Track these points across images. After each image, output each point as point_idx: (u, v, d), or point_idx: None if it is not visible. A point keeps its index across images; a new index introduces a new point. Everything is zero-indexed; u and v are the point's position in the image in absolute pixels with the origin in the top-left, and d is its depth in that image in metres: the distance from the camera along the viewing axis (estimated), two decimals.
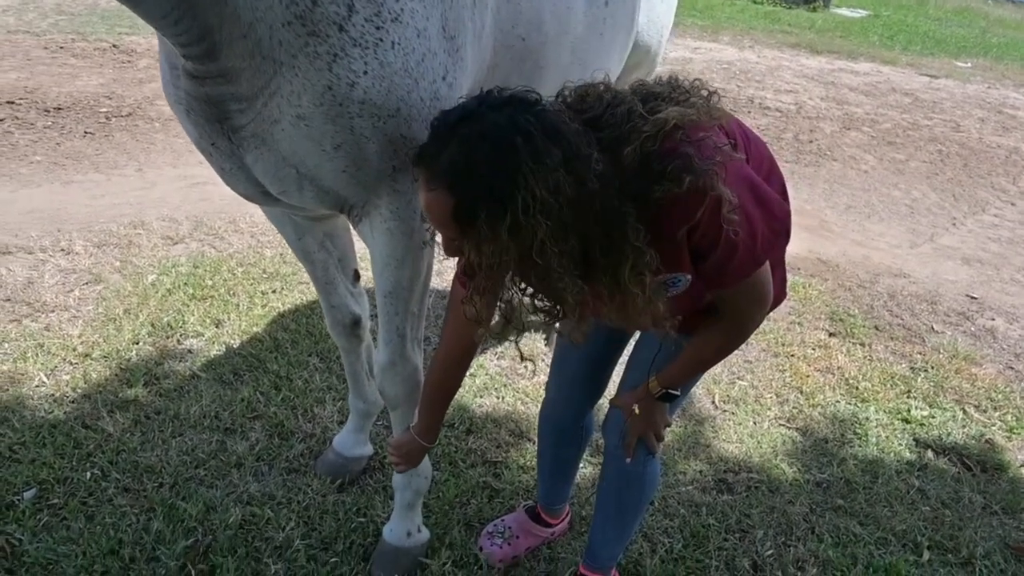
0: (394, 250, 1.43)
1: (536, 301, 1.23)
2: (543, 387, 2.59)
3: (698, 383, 2.69)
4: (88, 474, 2.02)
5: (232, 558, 1.81)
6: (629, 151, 1.09)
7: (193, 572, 1.77)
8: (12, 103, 5.05)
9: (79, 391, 2.34)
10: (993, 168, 5.98)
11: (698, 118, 1.13)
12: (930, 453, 2.49)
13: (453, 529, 1.96)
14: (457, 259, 1.33)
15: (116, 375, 2.43)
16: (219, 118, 1.22)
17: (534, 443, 2.33)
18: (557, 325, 1.29)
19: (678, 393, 1.47)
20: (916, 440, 2.55)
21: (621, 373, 1.64)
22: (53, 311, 2.74)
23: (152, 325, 2.71)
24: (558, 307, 1.20)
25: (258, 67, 1.16)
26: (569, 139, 1.05)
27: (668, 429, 1.59)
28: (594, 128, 1.12)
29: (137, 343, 2.61)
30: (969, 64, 10.36)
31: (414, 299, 1.54)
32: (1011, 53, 11.58)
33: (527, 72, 1.62)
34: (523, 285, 1.21)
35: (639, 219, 1.10)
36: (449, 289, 1.52)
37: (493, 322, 1.29)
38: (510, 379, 2.64)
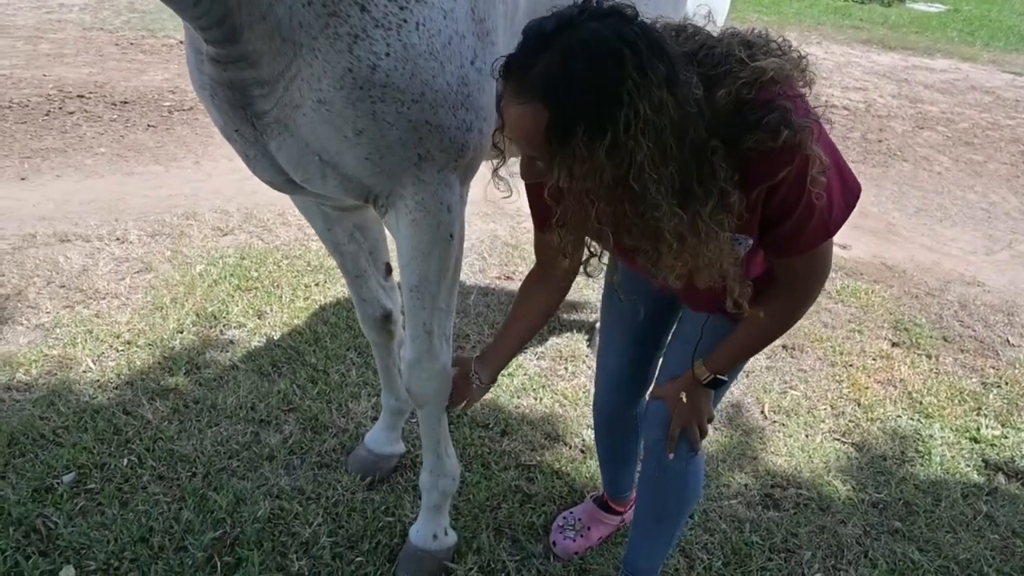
0: (420, 243, 1.38)
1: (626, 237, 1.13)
2: (582, 389, 2.52)
3: (747, 392, 2.58)
4: (125, 460, 2.04)
5: (258, 552, 1.79)
6: (723, 94, 1.01)
7: (219, 564, 1.76)
8: (83, 97, 5.24)
9: (123, 378, 2.38)
10: None
11: (793, 75, 1.06)
12: (1000, 476, 2.30)
13: (482, 534, 1.90)
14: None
15: (159, 363, 2.46)
16: (242, 104, 1.19)
17: (570, 447, 2.26)
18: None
19: (726, 379, 1.39)
20: (985, 461, 2.37)
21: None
22: (104, 298, 2.80)
23: (197, 315, 2.74)
24: (652, 242, 1.09)
25: (278, 49, 1.12)
26: (672, 58, 0.96)
27: (711, 425, 1.50)
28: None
29: (181, 332, 2.64)
30: None
31: (442, 294, 1.48)
32: None
33: None
34: (603, 215, 1.10)
35: (725, 158, 1.02)
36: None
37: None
38: (549, 380, 2.57)
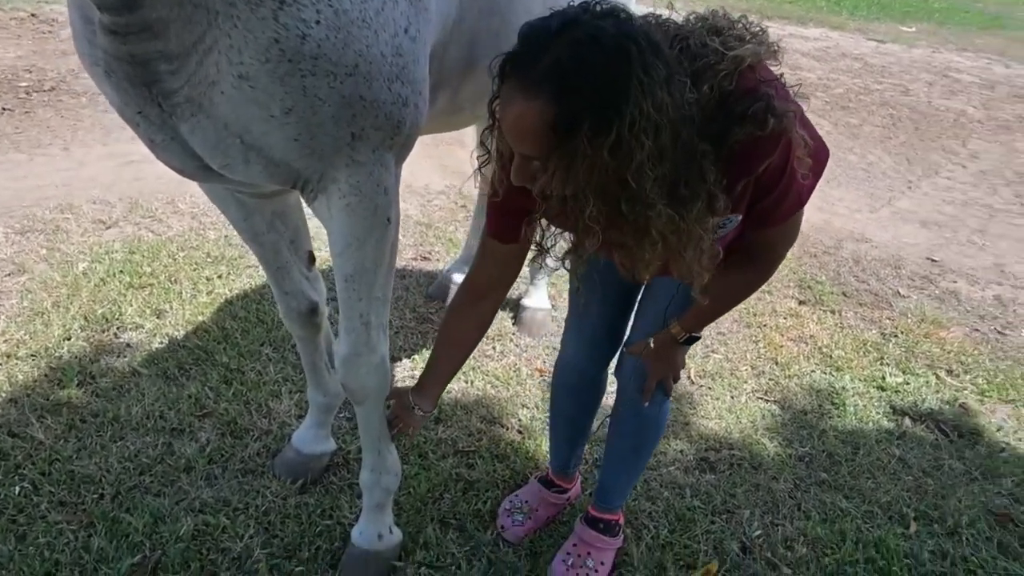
0: (355, 229, 1.27)
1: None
2: (512, 369, 2.48)
3: None
4: (17, 488, 1.82)
5: (185, 574, 1.64)
6: (706, 89, 1.01)
7: None
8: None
9: (3, 395, 2.11)
10: (943, 131, 6.05)
11: (765, 57, 1.07)
12: (907, 421, 2.46)
13: (427, 527, 1.82)
14: (481, 180, 1.31)
15: (46, 375, 2.21)
16: (146, 81, 1.03)
17: (507, 429, 2.21)
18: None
19: (700, 336, 1.49)
20: (893, 408, 2.52)
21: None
22: None
23: (85, 318, 2.48)
24: (637, 239, 1.09)
25: (189, 17, 0.98)
26: (668, 60, 0.96)
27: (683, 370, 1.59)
28: None
29: (69, 339, 2.38)
30: (913, 28, 10.49)
31: (378, 282, 1.38)
32: (952, 18, 11.77)
33: (495, 28, 1.47)
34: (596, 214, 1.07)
35: (714, 160, 1.03)
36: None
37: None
38: (479, 362, 2.51)
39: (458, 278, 2.82)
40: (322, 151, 1.14)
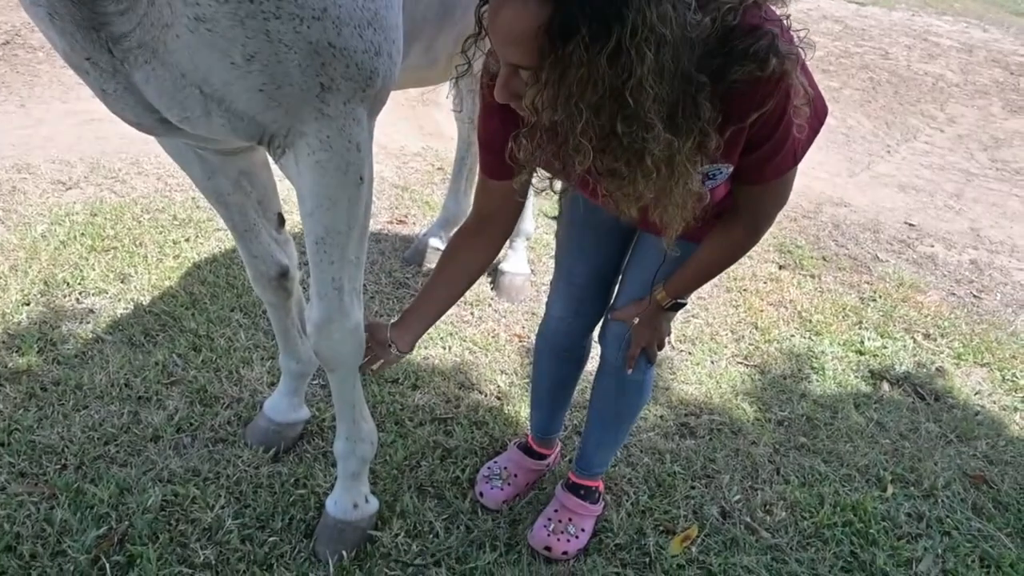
0: (325, 188, 1.20)
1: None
2: (490, 334, 2.43)
3: None
4: None
5: (153, 546, 1.59)
6: (707, 21, 0.93)
7: (107, 565, 1.54)
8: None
9: None
10: (922, 95, 6.04)
11: None
12: (885, 385, 2.47)
13: (404, 496, 1.79)
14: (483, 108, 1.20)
15: (3, 342, 2.11)
16: (93, 25, 0.94)
17: (485, 395, 2.18)
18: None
19: (686, 302, 1.42)
20: (871, 372, 2.52)
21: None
22: None
23: (45, 283, 2.37)
24: (631, 167, 1.01)
25: None
26: None
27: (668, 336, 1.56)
28: None
29: (27, 304, 2.28)
30: None
31: (351, 245, 1.32)
32: None
33: None
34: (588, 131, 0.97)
35: (710, 97, 0.96)
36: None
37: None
38: (457, 327, 2.45)
39: (435, 242, 2.76)
40: (289, 103, 1.06)
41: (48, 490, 1.70)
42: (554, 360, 1.74)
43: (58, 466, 1.76)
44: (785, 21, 1.02)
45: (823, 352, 2.57)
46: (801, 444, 2.14)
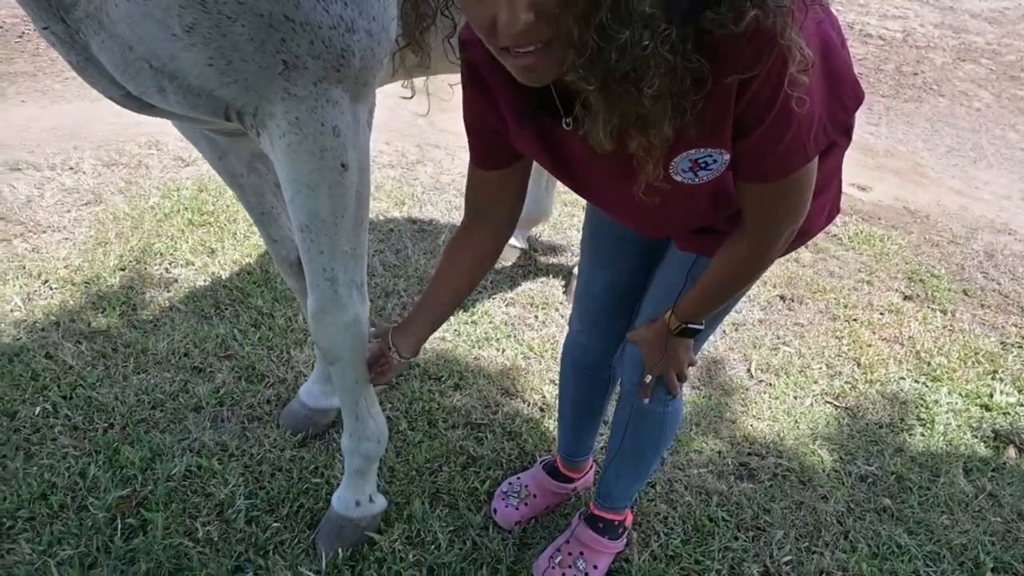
0: (301, 173, 1.14)
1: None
2: (550, 340, 2.30)
3: (734, 347, 2.34)
4: (38, 408, 1.88)
5: (165, 513, 1.63)
6: None
7: (120, 526, 1.60)
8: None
9: (51, 318, 2.20)
10: None
11: None
12: (1011, 450, 2.06)
13: (415, 500, 1.71)
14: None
15: (92, 303, 2.28)
16: None
17: (528, 404, 2.05)
18: None
19: (701, 327, 1.24)
20: (995, 432, 2.12)
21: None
22: (46, 231, 2.62)
23: (142, 251, 2.54)
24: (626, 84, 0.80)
25: None
26: None
27: (692, 369, 1.39)
28: None
29: (123, 269, 2.45)
30: None
31: (342, 235, 1.25)
32: None
33: None
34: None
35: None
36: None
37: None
38: (516, 329, 2.35)
39: (514, 240, 2.66)
40: (247, 80, 1.01)
41: (90, 446, 1.80)
42: (576, 376, 1.59)
43: (106, 424, 1.86)
44: None
45: (937, 402, 2.19)
46: (883, 507, 1.83)
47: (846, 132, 1.03)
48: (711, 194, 1.01)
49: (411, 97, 1.11)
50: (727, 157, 0.91)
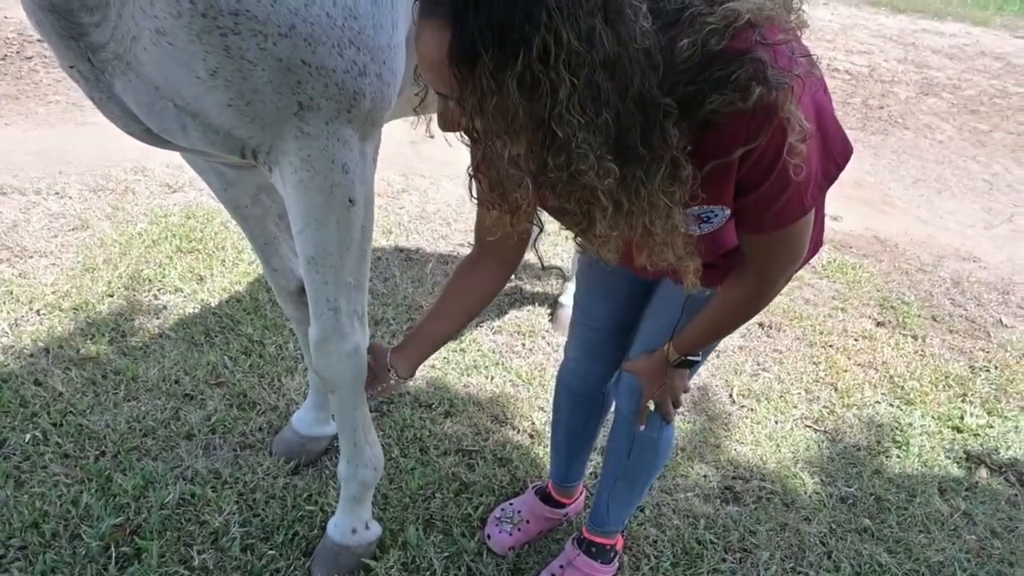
0: (312, 208, 1.18)
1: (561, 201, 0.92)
2: (537, 367, 2.35)
3: (715, 374, 2.41)
4: (28, 436, 1.87)
5: (160, 541, 1.63)
6: (686, 44, 0.83)
7: (114, 555, 1.60)
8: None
9: (40, 344, 2.20)
10: None
11: (776, 15, 0.85)
12: (983, 470, 2.14)
13: (409, 527, 1.73)
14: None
15: (81, 329, 2.28)
16: (72, 34, 0.98)
17: (518, 431, 2.09)
18: (579, 241, 1.03)
19: (699, 359, 1.32)
20: (967, 453, 2.20)
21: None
22: (32, 257, 2.61)
23: (131, 278, 2.55)
24: (582, 205, 0.91)
25: None
26: None
27: (684, 395, 1.42)
28: None
29: (111, 296, 2.45)
30: None
31: (347, 267, 1.29)
32: None
33: None
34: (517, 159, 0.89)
35: (682, 126, 0.85)
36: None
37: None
38: (504, 357, 2.39)
39: None
40: (264, 120, 1.05)
41: (82, 474, 1.80)
42: (570, 404, 1.63)
43: (97, 452, 1.86)
44: (794, 42, 0.87)
45: (911, 424, 2.28)
46: (863, 528, 1.89)
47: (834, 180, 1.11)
48: (709, 238, 1.07)
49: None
50: (728, 212, 0.98)
